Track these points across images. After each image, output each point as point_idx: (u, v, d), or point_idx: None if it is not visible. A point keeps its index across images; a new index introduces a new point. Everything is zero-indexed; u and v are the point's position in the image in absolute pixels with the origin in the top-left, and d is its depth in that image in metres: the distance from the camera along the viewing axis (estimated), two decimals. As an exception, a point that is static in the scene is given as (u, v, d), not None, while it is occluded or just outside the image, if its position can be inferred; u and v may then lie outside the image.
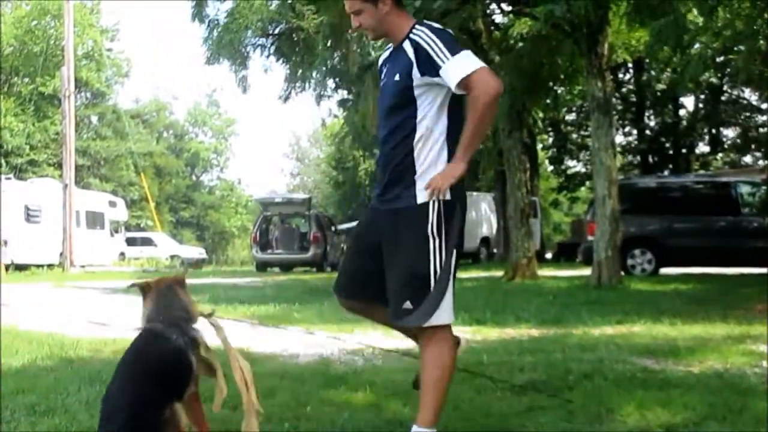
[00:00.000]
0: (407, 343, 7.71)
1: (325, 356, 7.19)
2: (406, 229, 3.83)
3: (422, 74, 3.73)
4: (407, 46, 3.80)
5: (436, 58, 3.68)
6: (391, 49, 4.04)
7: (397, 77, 3.85)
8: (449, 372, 3.88)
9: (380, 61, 4.14)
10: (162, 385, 3.43)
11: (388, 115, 3.93)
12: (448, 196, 3.75)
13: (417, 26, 3.83)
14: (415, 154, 3.81)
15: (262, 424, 4.57)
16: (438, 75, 3.68)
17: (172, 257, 38.85)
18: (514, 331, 8.71)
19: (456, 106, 3.80)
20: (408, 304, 3.81)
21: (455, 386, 4.55)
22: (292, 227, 30.58)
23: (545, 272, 20.22)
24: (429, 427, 3.84)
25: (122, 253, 37.57)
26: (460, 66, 3.63)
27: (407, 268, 3.80)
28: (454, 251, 3.79)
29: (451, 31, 3.90)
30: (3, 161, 39.04)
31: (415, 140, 3.80)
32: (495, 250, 33.50)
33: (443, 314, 3.78)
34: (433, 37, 3.74)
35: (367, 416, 4.72)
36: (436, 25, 3.88)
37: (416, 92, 3.78)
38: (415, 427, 3.87)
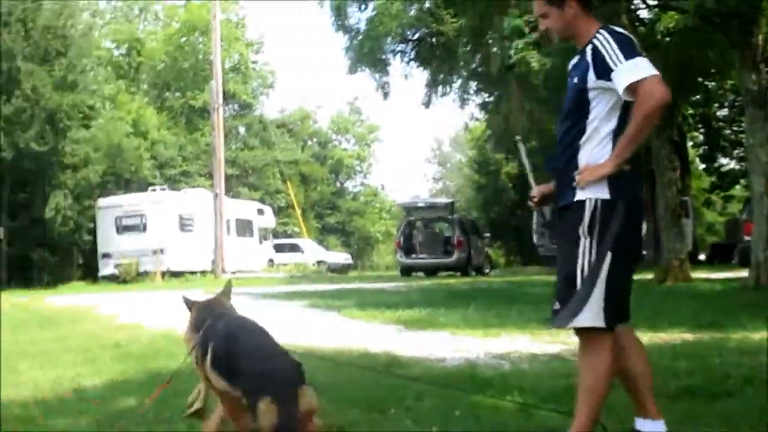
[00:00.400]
0: (555, 348, 7.59)
1: (472, 360, 7.13)
2: (565, 227, 3.82)
3: (597, 77, 3.73)
4: (588, 49, 3.81)
5: (609, 62, 3.67)
6: (578, 53, 4.02)
7: (575, 80, 3.86)
8: (605, 379, 3.76)
9: (570, 66, 4.12)
10: None
11: (565, 119, 3.94)
12: (606, 195, 3.69)
13: (600, 30, 3.83)
14: (580, 153, 3.80)
15: (409, 426, 4.56)
16: (611, 79, 3.67)
17: (319, 263, 39.54)
18: (668, 335, 8.39)
19: (629, 108, 3.73)
20: (556, 305, 3.76)
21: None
22: (435, 231, 30.61)
23: (699, 274, 19.47)
24: None
25: (271, 260, 38.45)
26: (630, 71, 3.61)
27: (561, 267, 3.79)
28: (609, 253, 3.67)
29: (632, 37, 3.84)
30: (158, 173, 40.67)
31: (582, 140, 3.80)
32: (644, 252, 32.54)
33: (588, 317, 3.68)
34: (611, 40, 3.73)
35: (517, 422, 4.65)
36: (619, 30, 3.86)
37: (590, 95, 3.77)
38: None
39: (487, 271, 31.03)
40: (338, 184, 64.43)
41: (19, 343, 9.73)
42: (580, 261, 3.68)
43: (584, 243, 3.69)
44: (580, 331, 3.76)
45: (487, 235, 33.84)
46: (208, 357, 4.02)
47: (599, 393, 3.74)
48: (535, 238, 27.46)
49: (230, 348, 3.90)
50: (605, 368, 3.75)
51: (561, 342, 7.92)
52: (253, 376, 3.60)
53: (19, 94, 31.11)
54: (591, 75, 3.74)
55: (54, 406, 5.80)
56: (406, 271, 28.81)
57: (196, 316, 4.46)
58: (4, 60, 31.50)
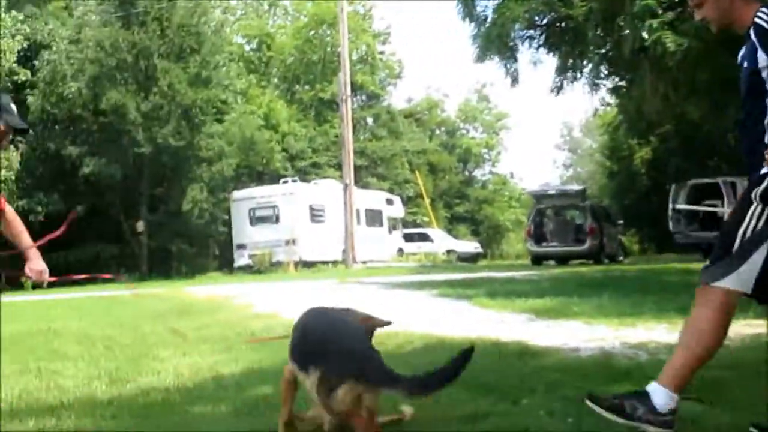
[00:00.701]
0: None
1: (607, 350, 6.96)
2: (744, 196, 3.71)
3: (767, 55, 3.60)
4: (752, 31, 3.67)
5: None
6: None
7: (746, 64, 3.73)
8: (707, 340, 3.68)
9: (738, 59, 3.98)
10: None
11: (743, 105, 3.82)
12: None
13: (761, 9, 3.69)
14: (767, 135, 3.65)
15: (542, 417, 4.49)
16: None
17: (448, 252, 39.51)
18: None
19: None
20: (708, 261, 3.64)
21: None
22: (566, 219, 30.12)
23: None
24: (665, 386, 3.73)
25: (400, 249, 38.66)
26: None
27: (723, 226, 3.72)
28: None
29: None
30: (289, 165, 41.46)
31: (766, 121, 3.65)
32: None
33: (736, 280, 3.54)
34: None
35: (655, 413, 4.50)
36: None
37: (764, 74, 3.63)
38: (652, 384, 3.77)
39: (621, 258, 30.33)
40: (467, 173, 64.18)
41: (160, 332, 10.08)
42: (744, 224, 3.55)
43: (755, 208, 3.57)
44: (705, 287, 3.63)
45: (620, 222, 33.06)
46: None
47: (697, 351, 3.64)
48: (670, 225, 26.63)
49: (307, 336, 4.11)
50: (711, 328, 3.66)
51: (700, 331, 7.65)
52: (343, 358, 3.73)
53: (157, 91, 32.24)
54: (761, 55, 3.60)
55: (194, 392, 5.97)
56: (537, 260, 28.46)
57: None
58: (141, 58, 32.70)
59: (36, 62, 33.24)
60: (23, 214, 31.02)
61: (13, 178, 32.12)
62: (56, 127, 34.20)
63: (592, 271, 20.94)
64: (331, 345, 3.87)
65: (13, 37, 32.10)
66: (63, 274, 25.98)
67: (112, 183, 33.13)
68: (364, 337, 4.11)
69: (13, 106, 5.00)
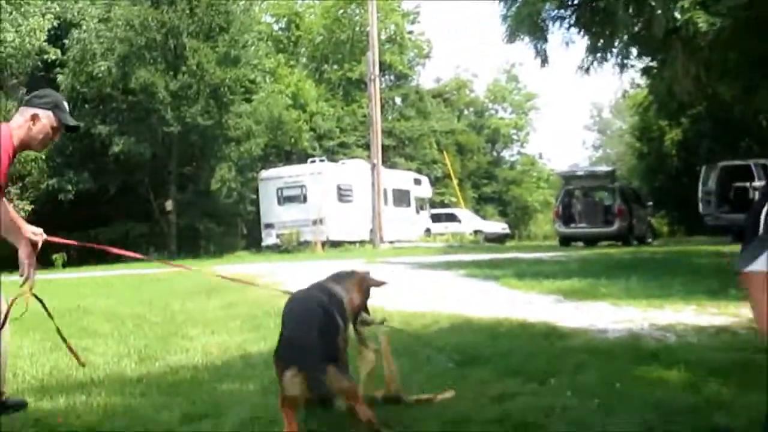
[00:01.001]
0: (723, 320, 7.28)
1: (635, 332, 6.94)
2: None
3: None
4: None
5: None
6: None
7: None
8: None
9: None
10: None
11: None
12: None
13: None
14: None
15: (569, 398, 4.47)
16: None
17: (476, 232, 39.42)
18: None
19: None
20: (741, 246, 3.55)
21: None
22: (595, 200, 29.91)
23: None
24: None
25: (428, 230, 38.62)
26: None
27: (751, 208, 3.54)
28: None
29: None
30: (316, 144, 41.49)
31: None
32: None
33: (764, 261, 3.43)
34: None
35: (684, 396, 4.48)
36: None
37: None
38: None
39: (650, 240, 30.12)
40: (495, 153, 63.93)
41: (189, 311, 10.16)
42: None
43: None
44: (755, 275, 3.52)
45: (650, 203, 32.77)
46: None
47: None
48: (701, 207, 26.39)
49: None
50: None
51: (729, 314, 7.60)
52: (284, 347, 4.09)
53: (185, 70, 32.32)
54: None
55: (222, 370, 6.02)
56: (565, 241, 28.31)
57: None
58: (170, 37, 32.77)
59: (66, 41, 33.38)
60: (53, 193, 31.48)
61: (44, 157, 32.37)
62: (86, 105, 34.37)
63: (620, 252, 20.83)
64: (282, 336, 4.24)
65: (43, 15, 32.24)
66: (93, 251, 26.25)
67: (142, 162, 33.29)
68: (314, 324, 4.17)
69: (66, 104, 5.13)
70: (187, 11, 32.78)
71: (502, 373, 5.28)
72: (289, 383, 3.88)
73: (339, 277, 4.88)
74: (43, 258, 32.29)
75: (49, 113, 5.04)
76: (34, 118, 4.97)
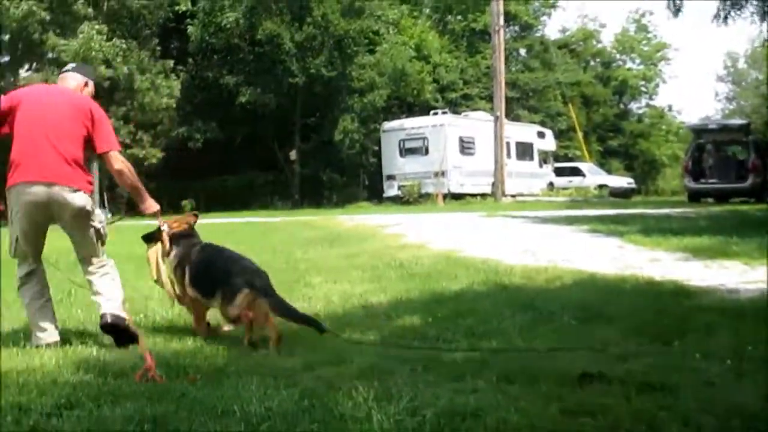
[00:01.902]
0: None
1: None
2: None
3: None
4: None
5: None
6: None
7: None
8: None
9: None
10: None
11: None
12: None
13: None
14: None
15: (697, 360, 4.33)
16: None
17: (600, 187, 38.61)
18: None
19: None
20: None
21: None
22: (728, 155, 28.78)
23: None
24: None
25: (551, 184, 38.10)
26: None
27: None
28: None
29: None
30: (439, 96, 41.25)
31: None
32: None
33: None
34: None
35: (822, 361, 4.28)
36: None
37: None
38: None
39: (785, 197, 28.89)
40: (622, 106, 62.18)
41: (311, 260, 10.31)
42: None
43: None
44: None
45: None
46: (187, 277, 5.68)
47: None
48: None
49: (208, 268, 5.64)
50: None
51: None
52: (233, 279, 5.37)
53: (311, 21, 32.57)
54: None
55: (343, 319, 6.09)
56: (695, 197, 27.39)
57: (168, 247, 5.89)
58: (296, -12, 33.06)
59: (196, -7, 34.11)
60: (183, 141, 32.39)
61: (174, 106, 33.31)
62: (214, 56, 35.16)
63: (753, 209, 20.06)
64: (233, 268, 5.53)
65: (175, -33, 33.02)
66: (220, 199, 27.08)
67: (267, 112, 33.86)
68: (252, 261, 5.73)
69: None
70: (313, -38, 32.94)
71: (626, 332, 5.16)
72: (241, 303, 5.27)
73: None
74: (173, 204, 33.56)
75: (92, 83, 5.90)
76: (87, 84, 5.81)
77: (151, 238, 6.02)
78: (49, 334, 5.34)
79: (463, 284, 7.50)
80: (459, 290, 7.20)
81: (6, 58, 32.95)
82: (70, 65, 6.06)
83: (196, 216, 6.25)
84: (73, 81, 5.78)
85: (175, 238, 5.90)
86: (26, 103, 5.44)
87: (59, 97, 5.61)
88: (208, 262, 5.73)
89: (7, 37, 31.42)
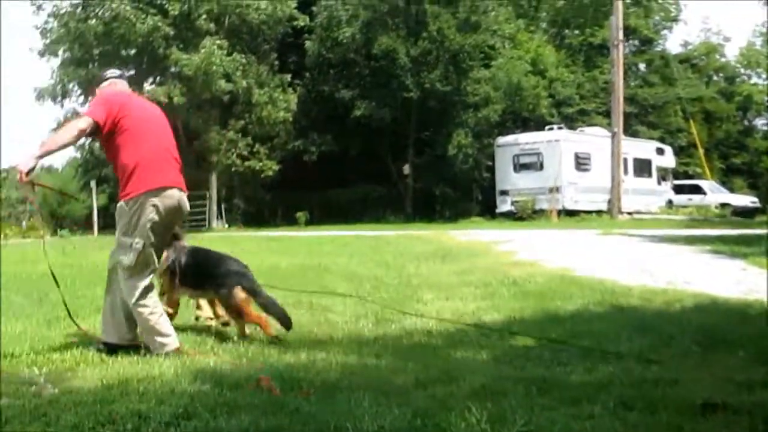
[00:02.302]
0: None
1: None
2: None
3: None
4: None
5: None
6: None
7: None
8: None
9: None
10: None
11: None
12: None
13: None
14: None
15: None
16: None
17: (722, 206, 37.41)
18: None
19: None
20: None
21: None
22: None
23: None
24: None
25: (670, 201, 37.12)
26: None
27: None
28: None
29: None
30: (555, 111, 40.73)
31: None
32: None
33: None
34: None
35: None
36: None
37: None
38: None
39: None
40: (746, 122, 60.17)
41: (423, 275, 10.29)
42: None
43: None
44: None
45: None
46: (177, 278, 6.12)
47: None
48: None
49: (199, 269, 6.21)
50: None
51: None
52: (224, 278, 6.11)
53: (426, 36, 32.70)
54: None
55: (456, 337, 6.03)
56: (823, 218, 26.30)
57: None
58: (412, 3, 33.25)
59: (314, 8, 34.65)
60: (298, 154, 33.04)
61: (291, 119, 33.91)
62: (330, 71, 35.64)
63: None
64: (228, 267, 6.24)
65: (294, -17, 33.65)
66: (333, 211, 27.46)
67: (381, 126, 34.10)
68: (239, 261, 6.35)
69: None
70: (430, -23, 33.12)
71: (751, 360, 4.94)
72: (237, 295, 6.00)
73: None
74: (287, 216, 34.10)
75: None
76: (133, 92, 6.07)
77: None
78: (173, 340, 5.44)
79: (578, 304, 7.35)
80: (574, 310, 7.05)
81: (131, 72, 34.18)
82: (115, 71, 6.03)
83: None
84: (124, 87, 5.88)
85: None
86: (135, 111, 5.51)
87: (153, 107, 5.86)
88: (199, 263, 6.27)
89: (133, 51, 32.62)
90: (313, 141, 34.80)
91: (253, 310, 6.09)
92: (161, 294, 6.14)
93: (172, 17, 31.03)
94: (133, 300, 5.35)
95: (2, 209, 35.23)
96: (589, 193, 30.87)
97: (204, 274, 6.22)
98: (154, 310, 5.42)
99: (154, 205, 5.34)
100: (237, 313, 6.07)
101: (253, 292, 6.08)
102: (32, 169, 5.16)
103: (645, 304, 7.27)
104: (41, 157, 5.21)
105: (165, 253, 5.99)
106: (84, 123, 5.22)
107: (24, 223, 28.64)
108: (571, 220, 28.26)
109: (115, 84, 5.75)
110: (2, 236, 25.70)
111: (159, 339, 5.39)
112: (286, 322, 6.00)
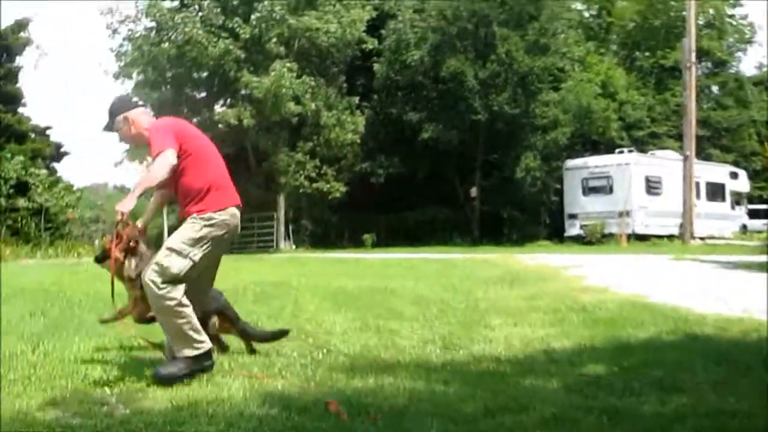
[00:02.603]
0: None
1: None
2: None
3: None
4: None
5: None
6: None
7: None
8: None
9: None
10: None
11: None
12: None
13: None
14: None
15: None
16: None
17: (798, 231, 36.51)
18: None
19: None
20: None
21: None
22: None
23: None
24: None
25: (744, 226, 36.37)
26: None
27: None
28: None
29: None
30: (625, 134, 40.25)
31: None
32: None
33: None
34: None
35: None
36: None
37: None
38: None
39: None
40: (825, 146, 58.74)
41: (491, 299, 10.19)
42: None
43: None
44: None
45: None
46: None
47: None
48: None
49: None
50: None
51: None
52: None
53: (494, 59, 32.66)
54: None
55: (525, 364, 5.94)
56: None
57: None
58: (481, 26, 33.25)
59: (383, 31, 34.89)
60: (366, 176, 33.26)
61: (358, 141, 34.11)
62: (398, 93, 35.80)
63: None
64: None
65: (363, 7, 33.94)
66: (400, 233, 27.54)
67: (449, 148, 34.08)
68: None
69: None
70: (498, 0, 33.10)
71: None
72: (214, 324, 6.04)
73: None
74: (354, 237, 34.21)
75: None
76: None
77: (103, 257, 6.16)
78: (208, 341, 5.50)
79: (651, 332, 7.18)
80: (646, 338, 6.90)
81: (203, 94, 34.79)
82: (140, 101, 6.11)
83: (142, 227, 6.16)
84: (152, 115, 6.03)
85: (131, 251, 5.95)
86: (192, 136, 5.67)
87: (199, 131, 5.95)
88: None
89: (204, 74, 33.19)
90: (381, 163, 34.93)
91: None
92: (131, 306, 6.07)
93: (243, 41, 31.53)
94: (172, 306, 5.31)
95: (76, 228, 35.98)
96: (660, 218, 30.42)
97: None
98: (192, 318, 5.40)
99: (225, 222, 5.49)
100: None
101: (231, 319, 6.17)
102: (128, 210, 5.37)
103: (720, 333, 7.08)
104: (139, 196, 5.31)
105: (127, 262, 5.90)
106: (172, 156, 5.29)
107: (97, 242, 29.19)
108: (641, 244, 27.86)
109: (147, 112, 5.92)
110: (76, 255, 26.25)
111: (199, 337, 5.44)
112: (276, 337, 6.37)
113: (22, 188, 38.85)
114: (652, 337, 6.94)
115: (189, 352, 5.30)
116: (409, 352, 6.43)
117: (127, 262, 5.93)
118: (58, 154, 49.26)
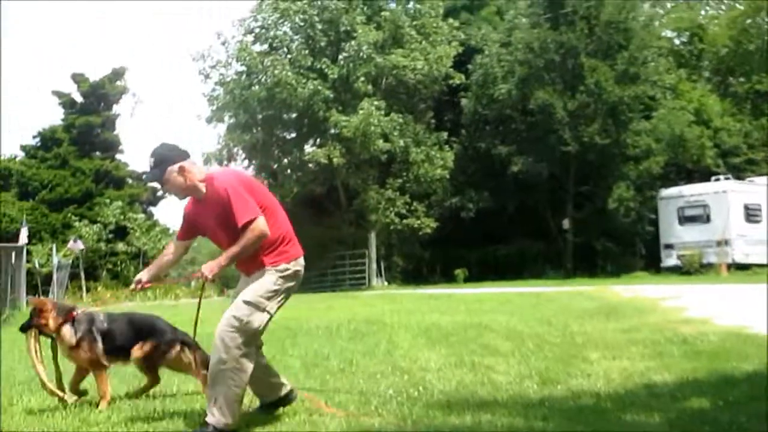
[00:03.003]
0: None
1: None
2: None
3: None
4: None
5: None
6: None
7: None
8: None
9: None
10: None
11: None
12: None
13: None
14: None
15: None
16: None
17: None
18: None
19: None
20: None
21: None
22: None
23: None
24: None
25: None
26: None
27: None
28: None
29: None
30: (721, 162, 39.33)
31: None
32: None
33: None
34: None
35: None
36: None
37: None
38: None
39: None
40: None
41: (588, 333, 10.02)
42: None
43: None
44: None
45: None
46: (99, 346, 6.10)
47: None
48: None
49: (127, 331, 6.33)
50: None
51: None
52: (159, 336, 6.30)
53: (583, 90, 32.35)
54: None
55: (625, 399, 5.82)
56: None
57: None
58: (569, 57, 33.05)
59: (469, 66, 34.99)
60: (455, 211, 33.18)
61: (448, 176, 34.12)
62: (486, 127, 35.79)
63: None
64: (157, 326, 6.44)
65: (449, 43, 34.12)
66: (491, 268, 27.34)
67: (539, 181, 33.83)
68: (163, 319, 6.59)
69: None
70: (586, 31, 32.98)
71: None
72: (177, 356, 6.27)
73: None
74: (446, 272, 34.11)
75: None
76: None
77: (28, 327, 6.13)
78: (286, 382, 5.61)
79: (756, 364, 6.96)
80: (751, 371, 6.68)
81: (293, 135, 35.33)
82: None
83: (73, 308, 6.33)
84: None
85: (71, 320, 6.09)
86: (259, 190, 5.58)
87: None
88: (126, 325, 6.40)
89: (294, 114, 33.75)
90: (471, 198, 34.86)
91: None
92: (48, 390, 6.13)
93: (331, 81, 32.01)
94: (239, 357, 5.13)
95: (173, 270, 36.80)
96: (761, 246, 29.50)
97: (136, 338, 6.27)
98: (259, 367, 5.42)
99: (297, 273, 5.48)
100: (185, 369, 6.30)
101: (193, 347, 6.13)
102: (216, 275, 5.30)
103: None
104: (227, 265, 5.29)
105: (64, 329, 6.03)
106: (264, 225, 5.24)
107: (193, 283, 29.80)
108: (742, 274, 27.05)
109: (195, 164, 5.67)
110: (173, 297, 26.78)
111: (282, 381, 5.59)
112: None
113: (120, 233, 40.04)
114: (757, 370, 6.72)
115: (224, 422, 5.05)
116: (505, 388, 6.37)
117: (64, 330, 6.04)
118: (154, 198, 50.65)
